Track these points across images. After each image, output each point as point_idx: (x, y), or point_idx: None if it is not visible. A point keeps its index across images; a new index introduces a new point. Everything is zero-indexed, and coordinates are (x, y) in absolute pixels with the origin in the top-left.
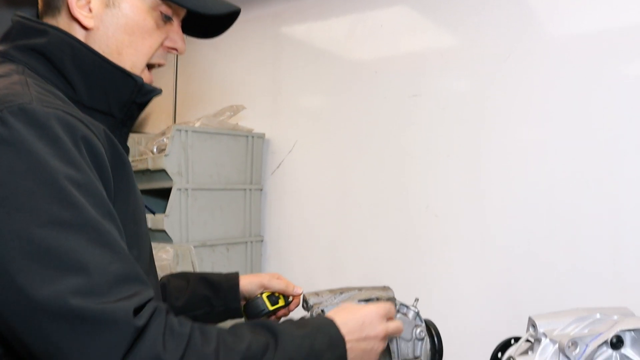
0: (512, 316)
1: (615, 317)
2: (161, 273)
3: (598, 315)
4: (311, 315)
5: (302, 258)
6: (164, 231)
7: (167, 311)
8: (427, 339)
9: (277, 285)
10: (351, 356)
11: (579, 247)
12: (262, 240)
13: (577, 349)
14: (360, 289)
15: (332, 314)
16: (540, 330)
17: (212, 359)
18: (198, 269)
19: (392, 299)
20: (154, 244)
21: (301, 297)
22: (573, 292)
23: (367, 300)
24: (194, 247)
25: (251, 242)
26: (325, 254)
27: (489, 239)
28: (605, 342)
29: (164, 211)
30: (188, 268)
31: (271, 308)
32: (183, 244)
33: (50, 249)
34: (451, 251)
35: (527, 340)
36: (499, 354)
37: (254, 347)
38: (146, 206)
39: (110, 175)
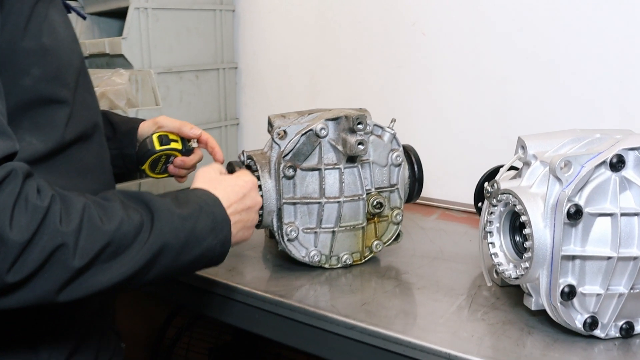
0: (502, 143)
1: (618, 136)
2: (116, 99)
3: (598, 135)
4: (271, 137)
5: (279, 86)
6: (122, 56)
7: (26, 175)
8: (404, 166)
9: (170, 123)
10: (233, 232)
11: (583, 68)
12: (236, 67)
13: (571, 170)
14: (331, 110)
15: (209, 186)
16: (530, 151)
17: (71, 240)
18: (161, 97)
19: (363, 117)
20: (109, 71)
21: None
22: (574, 119)
23: (336, 119)
24: (158, 73)
25: (223, 69)
26: (304, 80)
27: (482, 59)
28: (604, 162)
29: (121, 34)
30: (149, 95)
31: (158, 148)
32: (143, 69)
33: None
34: (438, 72)
35: (512, 168)
36: (486, 184)
37: (124, 227)
38: (74, 10)
39: None
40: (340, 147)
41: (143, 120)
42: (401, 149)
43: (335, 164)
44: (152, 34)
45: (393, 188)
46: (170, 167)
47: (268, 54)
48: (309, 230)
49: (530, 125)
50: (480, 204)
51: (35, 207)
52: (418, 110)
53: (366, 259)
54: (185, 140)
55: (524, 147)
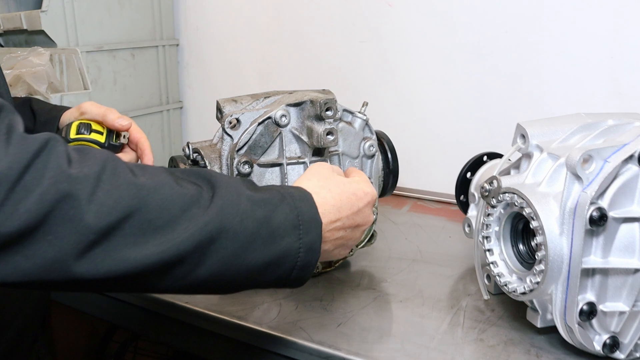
0: (484, 129)
1: (637, 123)
2: (35, 82)
3: (611, 122)
4: (222, 126)
5: (227, 64)
6: (42, 32)
7: (9, 110)
8: (378, 156)
9: (95, 109)
10: (325, 247)
11: (568, 44)
12: (177, 44)
13: (593, 166)
14: (291, 92)
15: (317, 186)
16: (533, 142)
17: (84, 190)
18: (91, 80)
19: (332, 101)
20: (25, 50)
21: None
22: (560, 99)
23: (300, 104)
24: (87, 52)
25: (163, 46)
26: (254, 58)
27: (457, 33)
28: (632, 156)
29: (40, 6)
30: (76, 78)
31: (72, 137)
32: (68, 48)
33: None
34: (409, 48)
35: (496, 156)
36: (469, 174)
37: (168, 192)
38: None
39: None
40: (305, 138)
41: (69, 108)
42: (374, 137)
43: (299, 158)
44: (78, 6)
45: None
46: None
47: (213, 28)
48: None
49: (510, 107)
50: (462, 197)
51: (25, 138)
52: (384, 91)
53: (336, 265)
54: (112, 133)
55: (524, 136)
